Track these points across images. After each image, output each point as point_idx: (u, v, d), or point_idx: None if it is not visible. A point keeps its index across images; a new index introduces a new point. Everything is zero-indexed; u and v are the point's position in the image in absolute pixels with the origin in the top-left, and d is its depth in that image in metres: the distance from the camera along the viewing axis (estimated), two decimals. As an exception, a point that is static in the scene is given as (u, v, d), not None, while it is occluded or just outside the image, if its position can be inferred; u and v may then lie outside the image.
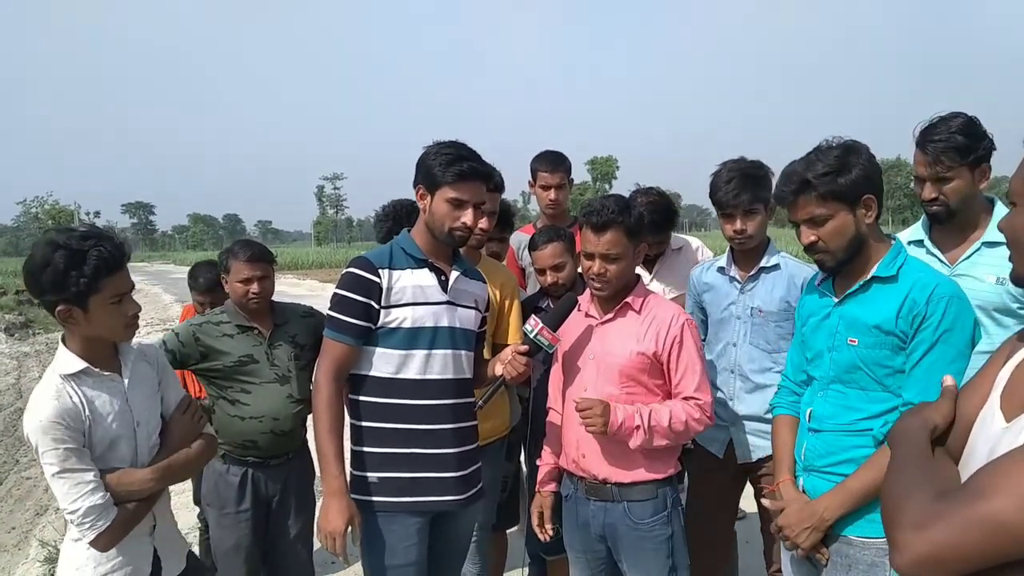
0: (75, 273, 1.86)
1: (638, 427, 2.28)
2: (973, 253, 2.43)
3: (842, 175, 1.96)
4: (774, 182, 2.71)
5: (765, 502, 2.26)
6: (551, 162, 3.74)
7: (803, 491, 2.12)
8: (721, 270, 2.88)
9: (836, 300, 2.10)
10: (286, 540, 3.03)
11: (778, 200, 2.11)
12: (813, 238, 2.03)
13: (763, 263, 2.78)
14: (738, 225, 2.71)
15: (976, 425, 1.27)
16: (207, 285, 3.79)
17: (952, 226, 2.49)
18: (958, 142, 2.34)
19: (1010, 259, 1.32)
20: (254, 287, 2.91)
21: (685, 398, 2.37)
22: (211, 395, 2.96)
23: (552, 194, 3.72)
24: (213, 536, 3.00)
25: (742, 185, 2.69)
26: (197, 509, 4.14)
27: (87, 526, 1.92)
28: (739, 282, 2.81)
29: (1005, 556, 0.99)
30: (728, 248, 2.90)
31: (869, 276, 2.03)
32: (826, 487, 2.04)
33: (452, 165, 2.26)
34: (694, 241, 3.70)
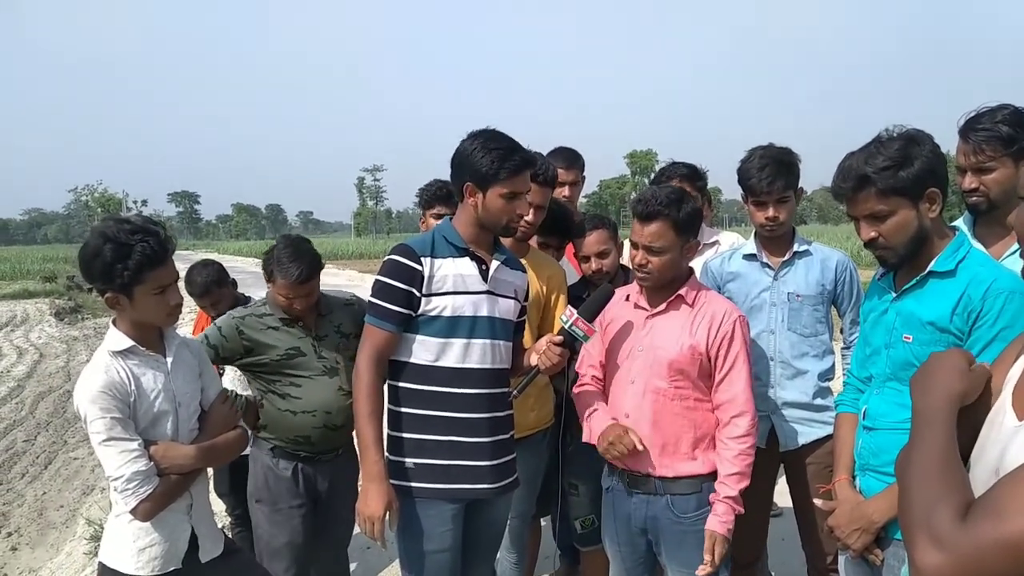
0: (120, 266, 1.99)
1: (729, 496, 2.33)
2: (1018, 248, 2.35)
3: (904, 169, 1.87)
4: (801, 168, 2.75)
5: (817, 502, 2.22)
6: (567, 159, 3.70)
7: (860, 491, 2.08)
8: (749, 257, 2.86)
9: (894, 295, 2.04)
10: (328, 537, 2.98)
11: (836, 195, 2.03)
12: (873, 234, 1.95)
13: (796, 248, 2.78)
14: (771, 212, 2.71)
15: (986, 424, 1.25)
16: (203, 287, 3.73)
17: (995, 220, 2.39)
18: (1002, 132, 2.26)
19: (1022, 255, 1.28)
20: (297, 304, 2.82)
21: (721, 404, 2.36)
22: (259, 390, 2.89)
23: (566, 191, 3.67)
24: (263, 533, 2.88)
25: (776, 172, 2.67)
26: (222, 504, 4.19)
27: (130, 492, 2.03)
28: (772, 268, 2.80)
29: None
30: (754, 235, 2.88)
31: (926, 271, 1.96)
32: (879, 487, 1.99)
33: (504, 161, 2.25)
34: (727, 237, 3.62)
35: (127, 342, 2.10)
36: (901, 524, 1.14)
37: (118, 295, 2.04)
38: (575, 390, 2.63)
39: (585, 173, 3.84)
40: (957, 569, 1.00)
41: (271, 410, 2.85)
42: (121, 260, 1.98)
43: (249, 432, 3.14)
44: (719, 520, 2.30)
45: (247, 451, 3.51)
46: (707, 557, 2.29)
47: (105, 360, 2.08)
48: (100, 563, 2.18)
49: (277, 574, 2.86)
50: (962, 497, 1.07)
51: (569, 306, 2.40)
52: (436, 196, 3.33)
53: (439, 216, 3.21)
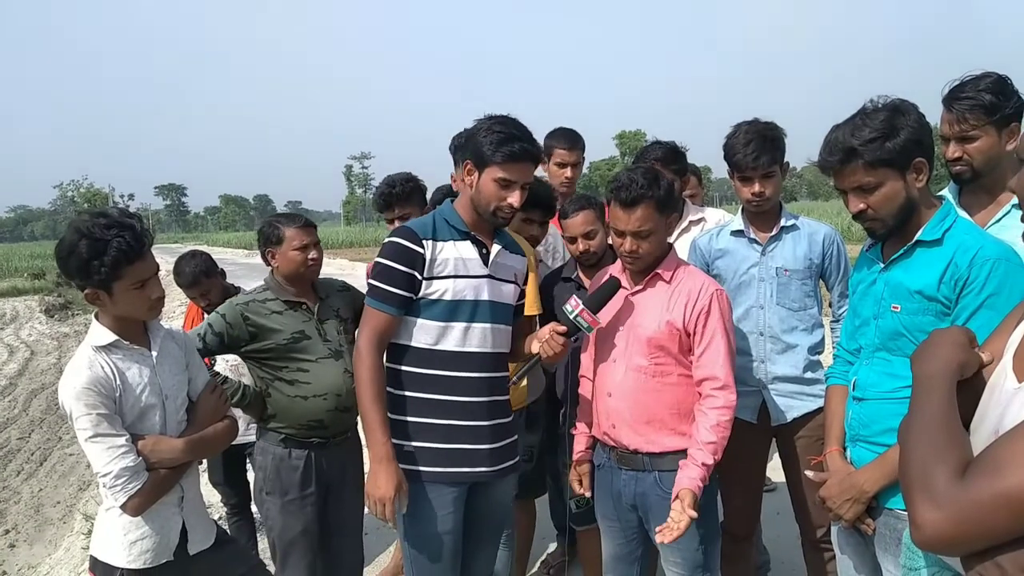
0: (97, 262, 1.97)
1: (705, 464, 2.24)
2: (1004, 216, 2.34)
3: (890, 140, 1.86)
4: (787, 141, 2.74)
5: (808, 473, 2.23)
6: (568, 139, 3.70)
7: (851, 461, 2.09)
8: (736, 234, 2.86)
9: (882, 266, 2.04)
10: (348, 523, 2.97)
11: (823, 169, 2.02)
12: (862, 206, 1.94)
13: (783, 223, 2.79)
14: (757, 188, 2.70)
15: (987, 389, 1.26)
16: (192, 277, 3.70)
17: (980, 188, 2.40)
18: (985, 100, 2.25)
19: (1022, 219, 1.29)
20: (312, 253, 2.87)
21: (702, 380, 2.34)
22: (264, 378, 2.86)
23: (568, 172, 3.68)
24: (275, 525, 2.85)
25: (761, 148, 2.66)
26: (217, 495, 4.19)
27: (119, 488, 2.02)
28: (759, 244, 2.80)
29: None
30: (741, 211, 2.89)
31: (914, 240, 1.96)
32: (870, 457, 2.00)
33: (503, 145, 2.23)
34: (713, 214, 3.61)
35: (110, 336, 2.08)
36: (902, 486, 1.15)
37: (97, 291, 2.02)
38: (580, 389, 2.69)
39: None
40: (955, 525, 1.01)
41: (280, 398, 2.82)
42: (97, 256, 1.96)
43: (240, 424, 3.12)
44: (689, 477, 2.22)
45: (247, 439, 3.54)
46: (675, 514, 2.15)
47: (89, 355, 2.05)
48: (91, 556, 2.18)
49: (295, 564, 2.84)
50: (960, 456, 1.08)
51: (575, 296, 2.38)
52: (393, 199, 3.31)
53: (403, 218, 3.21)
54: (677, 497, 2.19)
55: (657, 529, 2.16)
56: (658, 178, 2.35)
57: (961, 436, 1.15)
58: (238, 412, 2.98)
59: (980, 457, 1.06)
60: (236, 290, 3.84)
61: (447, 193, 3.34)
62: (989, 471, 1.01)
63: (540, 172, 3.06)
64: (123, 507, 2.04)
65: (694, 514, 2.13)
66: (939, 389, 1.22)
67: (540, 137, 3.77)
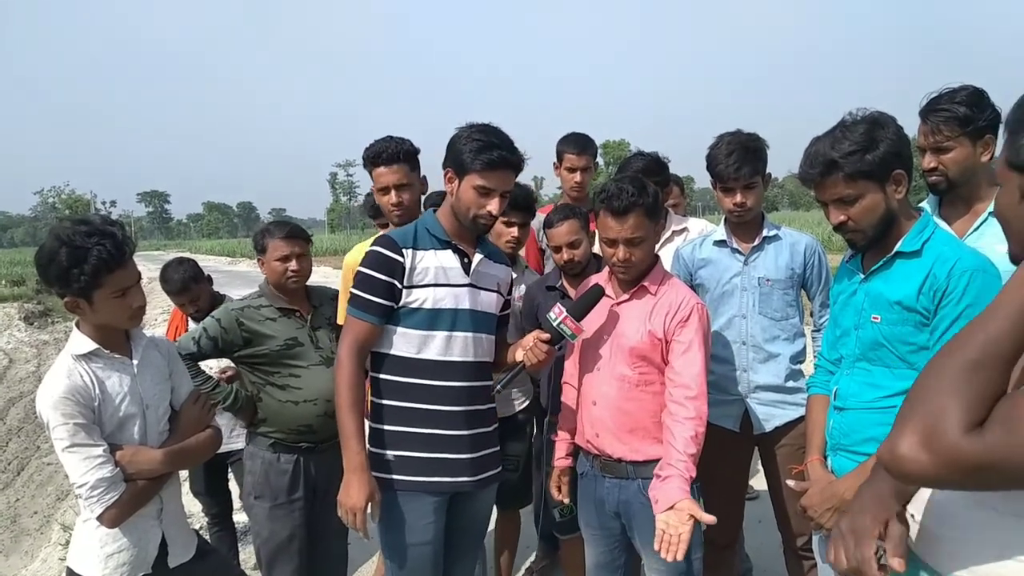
0: (76, 270, 1.94)
1: (691, 477, 2.22)
2: (981, 224, 2.39)
3: (870, 152, 1.90)
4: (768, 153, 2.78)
5: (789, 483, 2.24)
6: (579, 144, 3.76)
7: (832, 470, 2.10)
8: (719, 244, 2.89)
9: (862, 277, 2.07)
10: (334, 529, 2.93)
11: (803, 181, 2.05)
12: (843, 218, 1.97)
13: (765, 233, 2.81)
14: (738, 199, 2.73)
15: None
16: (181, 284, 3.67)
17: (958, 199, 2.46)
18: (960, 112, 2.31)
19: (1007, 236, 1.31)
20: (292, 264, 2.87)
21: (673, 388, 2.32)
22: (256, 383, 2.89)
23: (578, 176, 3.74)
24: (262, 530, 2.87)
25: (743, 159, 2.69)
26: (199, 504, 4.15)
27: (95, 499, 1.99)
28: (742, 254, 2.83)
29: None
30: (724, 221, 2.91)
31: (893, 252, 1.99)
32: (851, 466, 2.02)
33: (482, 153, 2.23)
34: (696, 224, 3.64)
35: (90, 345, 2.05)
36: (905, 403, 1.09)
37: (77, 299, 1.99)
38: (563, 397, 2.69)
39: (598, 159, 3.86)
40: (940, 469, 1.02)
41: (271, 403, 2.85)
42: (77, 264, 1.93)
43: (231, 429, 3.08)
44: (680, 488, 2.17)
45: (229, 448, 3.50)
46: (671, 528, 2.14)
47: (68, 364, 2.03)
48: (68, 568, 2.14)
49: (281, 570, 2.84)
50: (984, 405, 1.03)
51: (559, 304, 2.40)
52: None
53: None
54: (673, 508, 2.15)
55: (656, 547, 2.16)
56: (646, 186, 2.38)
57: (996, 380, 1.04)
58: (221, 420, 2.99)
59: (999, 411, 1.02)
60: (222, 297, 3.81)
61: (436, 202, 3.35)
62: (1006, 425, 0.99)
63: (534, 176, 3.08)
64: (99, 519, 2.01)
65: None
66: (1009, 315, 1.06)
67: (552, 144, 3.81)
